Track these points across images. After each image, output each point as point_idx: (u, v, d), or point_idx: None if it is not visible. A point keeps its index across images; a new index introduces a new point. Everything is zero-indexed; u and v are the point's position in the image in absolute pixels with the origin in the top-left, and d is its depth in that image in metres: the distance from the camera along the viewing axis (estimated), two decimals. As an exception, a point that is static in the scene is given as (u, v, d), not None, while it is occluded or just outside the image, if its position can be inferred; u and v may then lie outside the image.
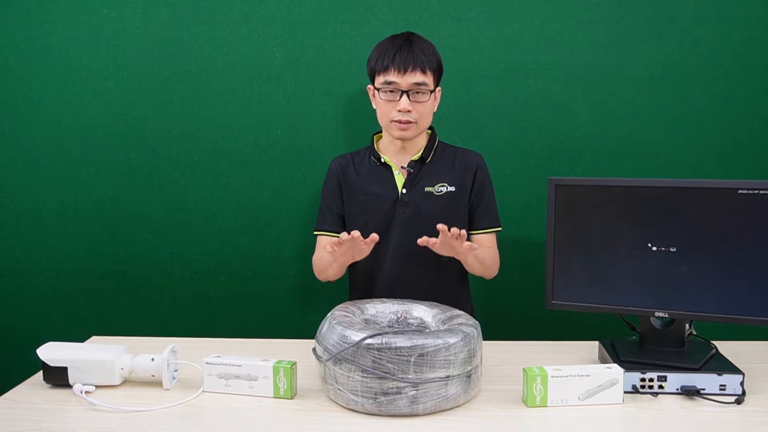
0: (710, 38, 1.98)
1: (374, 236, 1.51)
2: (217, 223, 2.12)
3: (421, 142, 1.76)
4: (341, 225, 1.80)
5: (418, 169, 1.74)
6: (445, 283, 1.76)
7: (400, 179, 1.75)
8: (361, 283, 1.80)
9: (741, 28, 1.97)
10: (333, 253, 1.56)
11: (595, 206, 1.43)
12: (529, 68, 2.02)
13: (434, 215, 1.71)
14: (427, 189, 1.73)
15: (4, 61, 2.07)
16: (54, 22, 2.04)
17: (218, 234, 2.12)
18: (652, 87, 2.01)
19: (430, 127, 1.79)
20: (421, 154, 1.74)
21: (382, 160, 1.75)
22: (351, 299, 1.84)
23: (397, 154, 1.76)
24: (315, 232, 1.82)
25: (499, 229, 1.79)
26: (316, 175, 2.07)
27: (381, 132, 1.80)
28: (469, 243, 1.51)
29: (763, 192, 1.31)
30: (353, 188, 1.77)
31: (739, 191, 1.33)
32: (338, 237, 1.74)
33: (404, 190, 1.73)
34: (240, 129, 2.07)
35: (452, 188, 1.74)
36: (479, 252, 1.61)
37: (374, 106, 1.75)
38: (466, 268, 1.71)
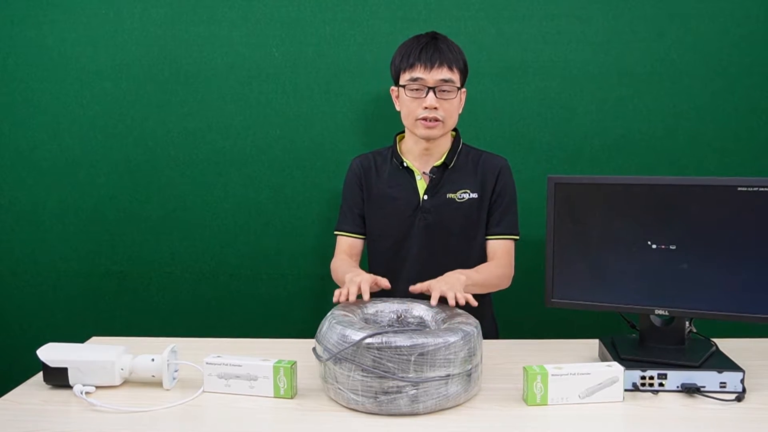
0: (709, 35, 1.98)
1: (385, 283, 1.47)
2: (216, 223, 2.12)
3: (445, 145, 1.72)
4: (361, 226, 1.78)
5: (440, 175, 1.70)
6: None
7: (422, 185, 1.71)
8: (380, 293, 1.76)
9: (740, 24, 1.97)
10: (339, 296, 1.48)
11: (594, 204, 1.43)
12: (528, 66, 2.02)
13: (455, 222, 1.69)
14: (449, 195, 1.70)
15: (3, 62, 2.06)
16: (52, 22, 2.04)
17: (217, 234, 2.12)
18: (652, 84, 2.01)
19: (455, 129, 1.75)
20: (444, 159, 1.70)
21: (405, 164, 1.72)
22: None
23: (419, 157, 1.72)
24: (335, 232, 1.81)
25: (516, 237, 1.74)
26: (315, 175, 2.08)
27: (404, 132, 1.76)
28: (463, 295, 1.41)
29: (762, 189, 1.31)
30: (373, 190, 1.75)
31: (739, 188, 1.33)
32: (359, 236, 1.77)
33: (426, 197, 1.70)
34: (239, 129, 2.07)
35: (475, 195, 1.70)
36: (476, 280, 1.57)
37: (398, 108, 1.71)
38: None
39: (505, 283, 1.72)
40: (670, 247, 1.38)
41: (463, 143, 1.76)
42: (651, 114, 2.02)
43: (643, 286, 1.40)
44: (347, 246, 1.78)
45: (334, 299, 1.41)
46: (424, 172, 1.72)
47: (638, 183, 1.40)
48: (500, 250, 1.73)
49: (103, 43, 2.05)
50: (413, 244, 1.72)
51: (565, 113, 2.03)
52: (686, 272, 1.37)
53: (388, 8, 2.01)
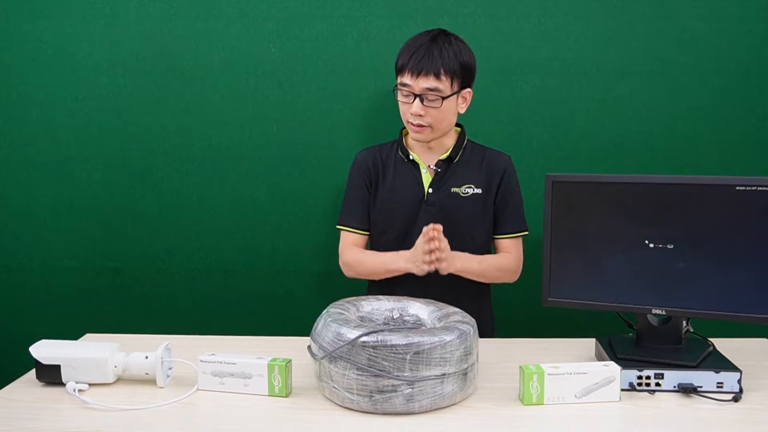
0: (708, 34, 1.98)
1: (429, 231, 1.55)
2: (212, 219, 2.11)
3: (449, 141, 1.73)
4: (368, 222, 1.77)
5: (445, 169, 1.71)
6: (467, 286, 1.70)
7: (427, 178, 1.72)
8: (381, 284, 1.74)
9: (738, 23, 1.97)
10: (419, 260, 1.57)
11: (592, 203, 1.42)
12: (526, 64, 2.01)
13: (459, 217, 1.69)
14: (453, 190, 1.70)
15: (-2, 57, 2.06)
16: (48, 17, 2.03)
17: (213, 231, 2.11)
18: (650, 83, 2.00)
19: (459, 125, 1.76)
20: (449, 153, 1.71)
21: (411, 157, 1.72)
22: None
23: (424, 151, 1.73)
24: (340, 227, 1.78)
25: (526, 233, 1.77)
26: (312, 172, 2.07)
27: None
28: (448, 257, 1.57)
29: (760, 188, 1.31)
30: (380, 184, 1.74)
31: (737, 187, 1.32)
32: (366, 232, 1.77)
33: (431, 190, 1.70)
34: (235, 125, 2.06)
35: (479, 190, 1.71)
36: (473, 269, 1.66)
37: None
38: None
39: (509, 277, 1.74)
40: (668, 246, 1.37)
41: (467, 139, 1.77)
42: (649, 112, 2.02)
43: (641, 286, 1.40)
44: (357, 241, 1.77)
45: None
46: (429, 166, 1.72)
47: (636, 182, 1.39)
48: (508, 247, 1.76)
49: (99, 39, 2.03)
50: (416, 237, 1.70)
51: (563, 111, 2.03)
52: (684, 271, 1.37)
53: (386, 5, 2.00)
